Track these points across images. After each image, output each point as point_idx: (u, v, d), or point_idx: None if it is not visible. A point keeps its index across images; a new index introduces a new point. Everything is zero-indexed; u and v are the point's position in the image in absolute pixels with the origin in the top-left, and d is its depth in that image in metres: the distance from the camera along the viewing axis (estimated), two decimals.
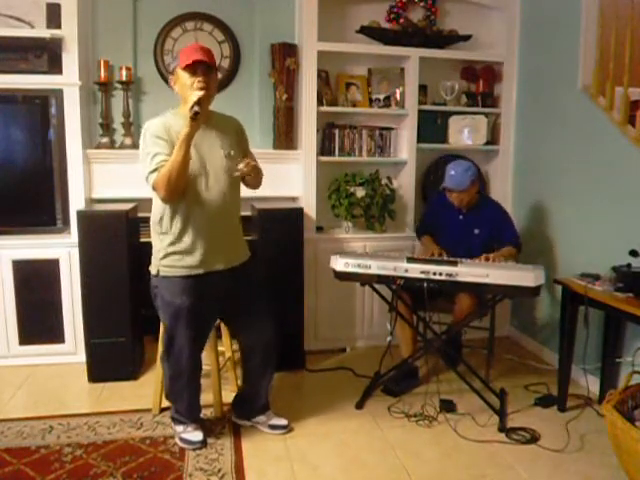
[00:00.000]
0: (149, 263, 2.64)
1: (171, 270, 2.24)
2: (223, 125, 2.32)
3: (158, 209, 2.24)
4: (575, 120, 3.18)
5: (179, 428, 2.44)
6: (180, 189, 2.11)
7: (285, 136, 3.52)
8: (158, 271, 2.27)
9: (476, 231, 3.04)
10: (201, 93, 2.06)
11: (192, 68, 2.13)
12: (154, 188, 2.13)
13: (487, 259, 2.75)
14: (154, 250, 2.30)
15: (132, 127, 3.46)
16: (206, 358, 2.54)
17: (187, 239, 2.21)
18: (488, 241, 3.00)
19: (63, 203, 3.21)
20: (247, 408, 2.59)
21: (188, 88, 2.13)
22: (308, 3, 3.35)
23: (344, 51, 3.53)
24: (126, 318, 3.01)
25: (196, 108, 2.01)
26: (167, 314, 2.29)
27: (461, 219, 3.08)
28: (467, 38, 3.69)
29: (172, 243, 2.22)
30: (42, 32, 3.04)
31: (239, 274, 2.35)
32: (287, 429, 2.53)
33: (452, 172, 2.97)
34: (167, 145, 2.12)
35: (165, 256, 2.24)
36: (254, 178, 2.32)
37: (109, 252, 2.94)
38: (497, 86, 3.85)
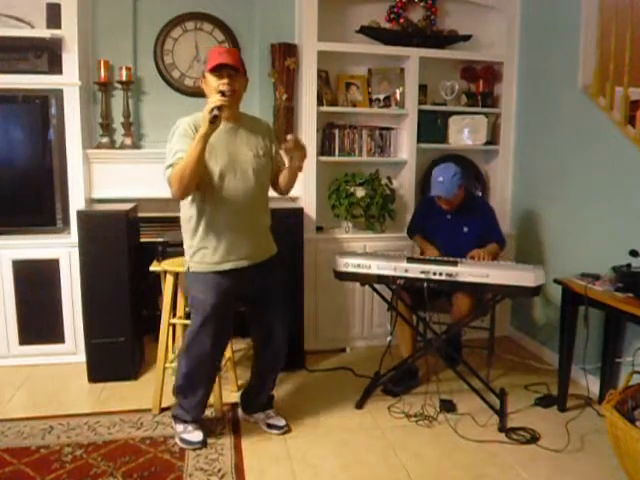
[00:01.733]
0: (149, 263, 2.63)
1: (200, 266, 2.28)
2: (253, 127, 2.35)
3: (186, 207, 2.27)
4: (575, 120, 3.18)
5: (179, 428, 2.44)
6: (191, 187, 2.13)
7: (285, 136, 3.51)
8: (189, 267, 2.32)
9: (465, 229, 3.05)
10: (223, 99, 2.05)
11: (217, 71, 2.16)
12: (169, 183, 2.15)
13: (472, 257, 2.78)
14: (185, 247, 2.34)
15: (132, 127, 3.46)
16: None
17: (213, 236, 2.24)
18: (478, 238, 3.00)
19: (63, 203, 3.21)
20: (249, 402, 2.63)
21: (213, 90, 2.14)
22: (308, 3, 3.35)
23: (344, 51, 3.53)
24: (126, 318, 3.01)
25: (215, 112, 2.02)
26: (195, 310, 2.32)
27: (449, 218, 3.07)
28: (467, 38, 3.69)
29: (200, 240, 2.26)
30: (42, 32, 3.03)
31: (264, 270, 2.37)
32: (283, 430, 2.53)
33: (440, 179, 2.92)
34: (191, 142, 2.12)
35: (195, 253, 2.28)
36: (290, 178, 2.36)
37: (109, 252, 2.93)
38: (497, 86, 3.85)
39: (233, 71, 2.18)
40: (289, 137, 2.21)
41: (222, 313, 2.29)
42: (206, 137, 2.05)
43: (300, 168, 2.32)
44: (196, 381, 2.39)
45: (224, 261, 2.26)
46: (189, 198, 2.22)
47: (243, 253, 2.28)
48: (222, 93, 2.09)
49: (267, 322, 2.45)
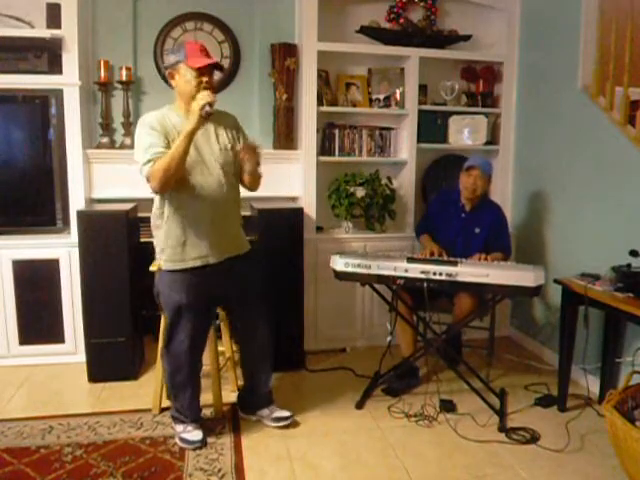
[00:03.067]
0: (149, 263, 2.63)
1: (171, 264, 2.28)
2: (220, 121, 2.35)
3: (158, 204, 2.29)
4: (575, 120, 3.18)
5: (179, 428, 2.44)
6: (173, 182, 2.15)
7: (285, 136, 3.52)
8: (159, 266, 2.32)
9: (477, 230, 3.06)
10: (213, 95, 2.10)
11: (201, 70, 2.19)
12: (148, 179, 2.16)
13: (479, 258, 2.80)
14: (156, 245, 2.34)
15: (132, 127, 3.45)
16: (206, 358, 2.53)
17: (183, 232, 2.25)
18: (486, 242, 3.01)
19: (63, 203, 3.20)
20: (249, 402, 2.63)
21: (193, 87, 2.18)
22: (308, 3, 3.35)
23: (344, 51, 3.53)
24: (126, 318, 3.01)
25: (208, 109, 2.06)
26: (167, 309, 2.34)
27: (463, 217, 3.10)
28: (467, 38, 3.69)
29: (170, 237, 2.26)
30: (42, 32, 3.03)
31: (237, 266, 2.38)
32: (290, 420, 2.54)
33: (475, 157, 3.19)
34: (160, 136, 2.17)
35: (164, 250, 2.29)
36: (252, 175, 2.33)
37: (109, 252, 2.93)
38: (497, 86, 3.85)
39: (212, 70, 2.24)
40: (240, 146, 2.23)
41: (193, 312, 2.30)
42: (193, 133, 2.09)
43: (254, 171, 2.31)
44: (179, 381, 2.40)
45: (195, 258, 2.27)
46: (158, 194, 2.25)
47: (213, 249, 2.29)
48: (208, 89, 2.13)
49: (248, 319, 2.46)
